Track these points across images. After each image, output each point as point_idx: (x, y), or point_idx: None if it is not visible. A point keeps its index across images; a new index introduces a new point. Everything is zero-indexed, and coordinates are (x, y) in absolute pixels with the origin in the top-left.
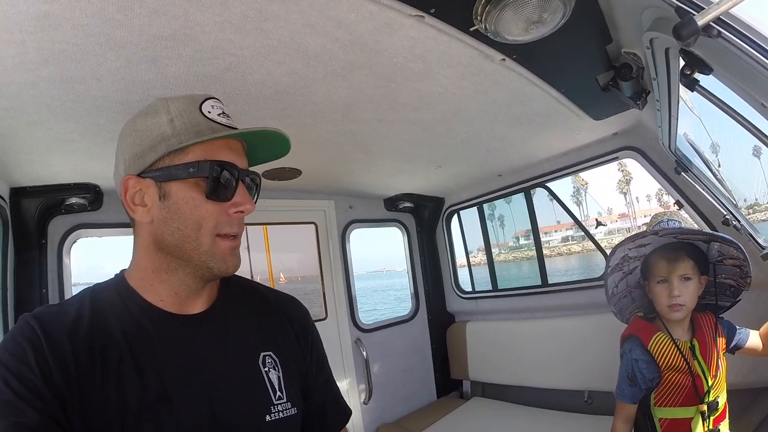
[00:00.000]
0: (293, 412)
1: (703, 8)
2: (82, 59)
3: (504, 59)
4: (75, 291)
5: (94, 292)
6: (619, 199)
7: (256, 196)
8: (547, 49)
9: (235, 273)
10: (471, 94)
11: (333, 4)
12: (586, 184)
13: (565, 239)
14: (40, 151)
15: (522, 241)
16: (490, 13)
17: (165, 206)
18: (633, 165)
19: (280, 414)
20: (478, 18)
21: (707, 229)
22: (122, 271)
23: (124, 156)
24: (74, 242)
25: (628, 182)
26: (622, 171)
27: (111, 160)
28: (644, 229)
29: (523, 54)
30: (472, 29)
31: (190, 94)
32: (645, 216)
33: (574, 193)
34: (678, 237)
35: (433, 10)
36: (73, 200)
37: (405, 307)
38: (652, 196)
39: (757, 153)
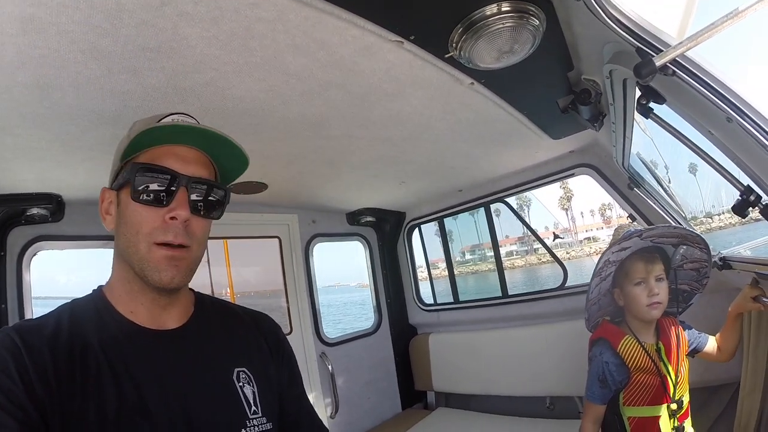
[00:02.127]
0: (268, 427)
1: (662, 50)
2: (62, 66)
3: (473, 83)
4: (36, 307)
5: (73, 306)
6: (561, 215)
7: (201, 206)
8: (513, 74)
9: (196, 290)
10: (439, 114)
11: (319, 26)
12: (529, 201)
13: (509, 254)
14: (5, 158)
15: (467, 256)
16: (466, 42)
17: (119, 213)
18: (575, 183)
19: (256, 428)
20: (454, 46)
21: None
22: (100, 287)
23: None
24: (34, 254)
25: (569, 199)
26: (564, 188)
27: (77, 169)
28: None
29: (491, 78)
30: (447, 56)
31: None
32: (587, 231)
33: (517, 208)
34: (654, 240)
35: (412, 37)
36: (35, 211)
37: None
38: (595, 211)
39: (692, 170)
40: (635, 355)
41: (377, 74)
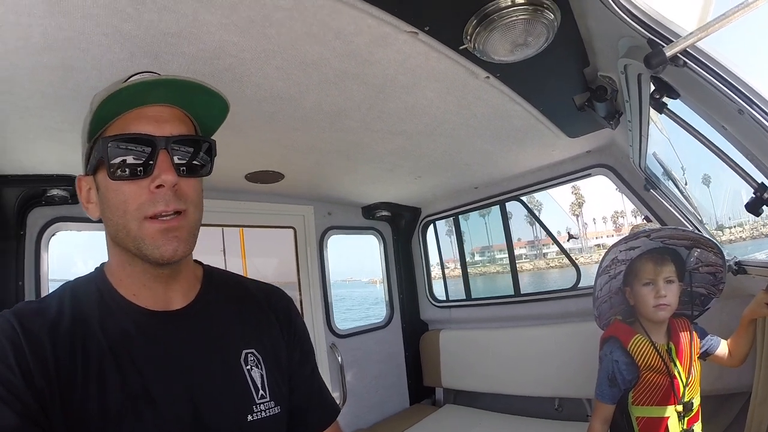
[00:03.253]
0: (277, 411)
1: (672, 41)
2: (86, 49)
3: (488, 77)
4: (52, 285)
5: (75, 287)
6: (571, 221)
7: (188, 166)
8: (529, 69)
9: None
10: (454, 108)
11: (335, 15)
12: (540, 205)
13: (518, 257)
14: (28, 139)
15: (477, 258)
16: (480, 34)
17: (101, 198)
18: (586, 189)
19: (263, 413)
20: (468, 38)
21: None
22: (102, 265)
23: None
24: (53, 235)
25: (580, 205)
26: (575, 194)
27: None
28: (596, 249)
29: (507, 73)
30: (461, 48)
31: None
32: (597, 238)
33: (527, 213)
34: (665, 242)
35: (427, 28)
36: (55, 192)
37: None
38: (608, 219)
39: (706, 181)
40: (646, 354)
41: (393, 65)
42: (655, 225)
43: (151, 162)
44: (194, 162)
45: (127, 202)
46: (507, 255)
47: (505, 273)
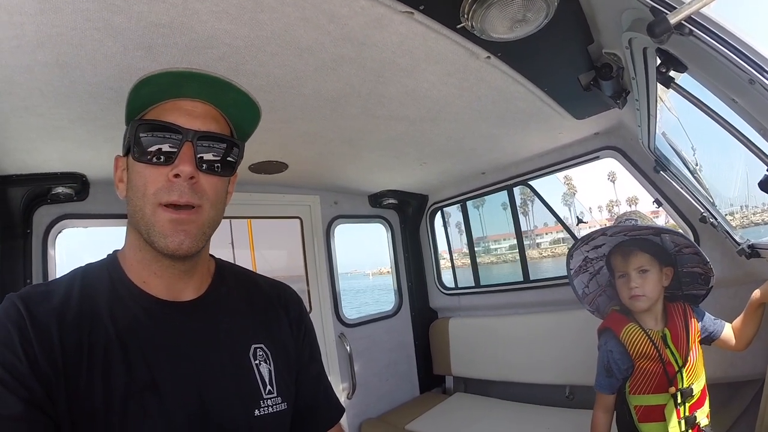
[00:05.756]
0: (283, 407)
1: (676, 8)
2: (80, 44)
3: (489, 57)
4: None
5: (86, 271)
6: (564, 210)
7: (211, 162)
8: (530, 48)
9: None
10: (456, 91)
11: None
12: (533, 197)
13: (512, 247)
14: (30, 138)
15: (475, 249)
16: (477, 11)
17: (129, 178)
18: (578, 180)
19: (270, 408)
20: (465, 16)
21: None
22: (115, 251)
23: None
24: (59, 232)
25: (573, 195)
26: (567, 185)
27: (100, 148)
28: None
29: (508, 52)
30: (458, 26)
31: None
32: (590, 228)
33: (521, 204)
34: (628, 234)
35: (422, 7)
36: (60, 190)
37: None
38: (603, 208)
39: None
40: (637, 342)
41: (390, 48)
42: (632, 221)
43: (174, 151)
44: (217, 159)
45: (146, 185)
46: (502, 246)
47: (500, 263)
